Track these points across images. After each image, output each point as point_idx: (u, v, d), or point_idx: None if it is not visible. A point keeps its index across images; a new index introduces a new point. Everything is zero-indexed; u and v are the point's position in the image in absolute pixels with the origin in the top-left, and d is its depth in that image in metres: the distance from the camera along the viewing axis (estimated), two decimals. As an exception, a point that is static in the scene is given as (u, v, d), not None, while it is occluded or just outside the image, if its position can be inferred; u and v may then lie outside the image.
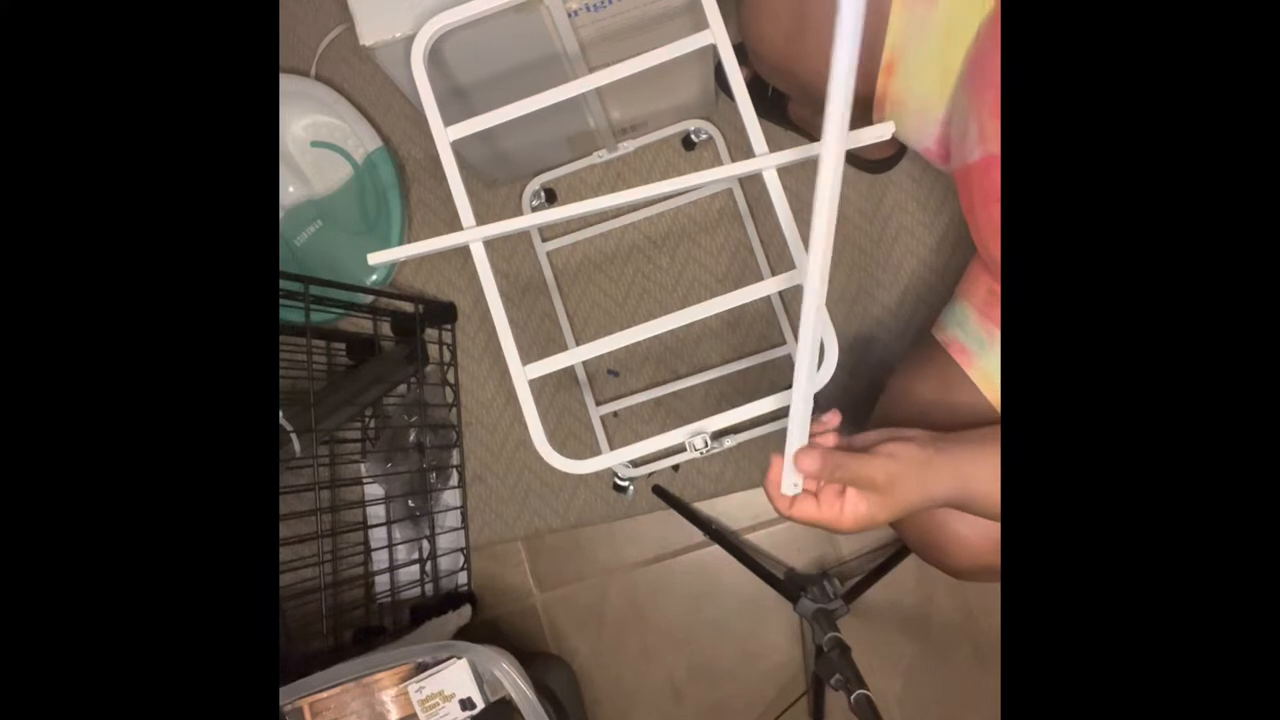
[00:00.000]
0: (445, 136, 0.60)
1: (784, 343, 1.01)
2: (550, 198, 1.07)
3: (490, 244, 0.59)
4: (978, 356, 0.65)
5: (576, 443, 1.06)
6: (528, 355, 0.57)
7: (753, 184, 1.03)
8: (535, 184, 1.06)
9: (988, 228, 0.59)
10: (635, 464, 1.04)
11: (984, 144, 0.55)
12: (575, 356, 0.59)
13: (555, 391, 1.06)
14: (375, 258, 0.59)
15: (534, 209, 1.06)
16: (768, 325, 1.02)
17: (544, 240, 1.07)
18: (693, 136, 1.04)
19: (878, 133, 0.56)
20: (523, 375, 0.58)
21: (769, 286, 0.59)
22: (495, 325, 0.58)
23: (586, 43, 0.75)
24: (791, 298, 1.02)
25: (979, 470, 0.52)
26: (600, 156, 1.04)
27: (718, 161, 1.04)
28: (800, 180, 1.03)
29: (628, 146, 1.04)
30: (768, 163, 0.58)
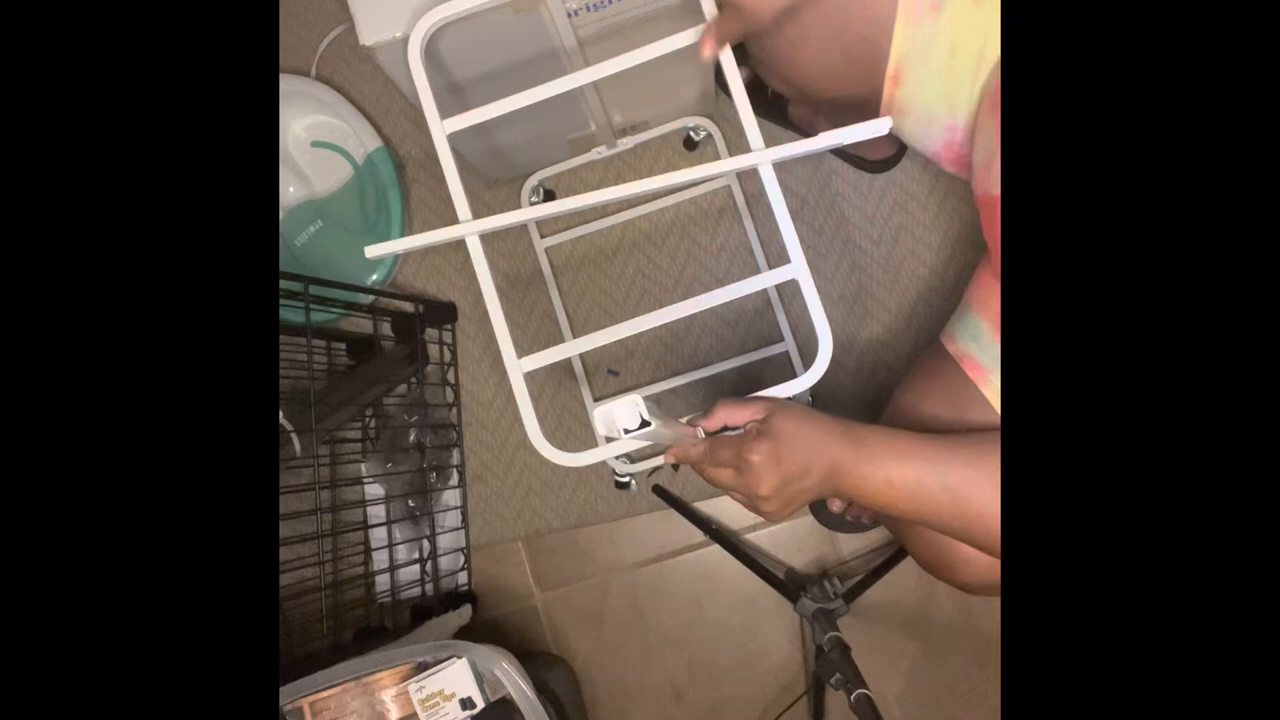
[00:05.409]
0: (442, 129, 0.60)
1: (781, 340, 1.01)
2: (549, 197, 1.07)
3: (489, 242, 0.59)
4: (993, 373, 0.64)
5: (577, 442, 1.06)
6: (526, 353, 0.57)
7: (753, 184, 1.03)
8: (534, 180, 1.06)
9: None
10: (632, 459, 1.03)
11: None
12: (572, 349, 0.59)
13: (555, 392, 1.06)
14: (372, 251, 0.60)
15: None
16: (766, 325, 1.02)
17: (543, 237, 1.07)
18: (692, 135, 1.04)
19: (873, 128, 0.56)
20: (517, 366, 0.58)
21: (764, 280, 0.59)
22: (490, 316, 0.58)
23: (586, 42, 0.75)
24: (792, 296, 1.02)
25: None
26: (599, 153, 1.04)
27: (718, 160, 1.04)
28: (799, 179, 1.03)
29: (627, 143, 1.03)
30: (764, 157, 0.58)
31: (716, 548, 1.02)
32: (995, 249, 0.63)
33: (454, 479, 1.07)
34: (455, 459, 1.07)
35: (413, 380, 1.04)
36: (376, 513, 1.05)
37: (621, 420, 0.47)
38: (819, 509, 1.01)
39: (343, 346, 1.03)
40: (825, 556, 1.04)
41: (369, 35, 0.66)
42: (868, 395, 1.01)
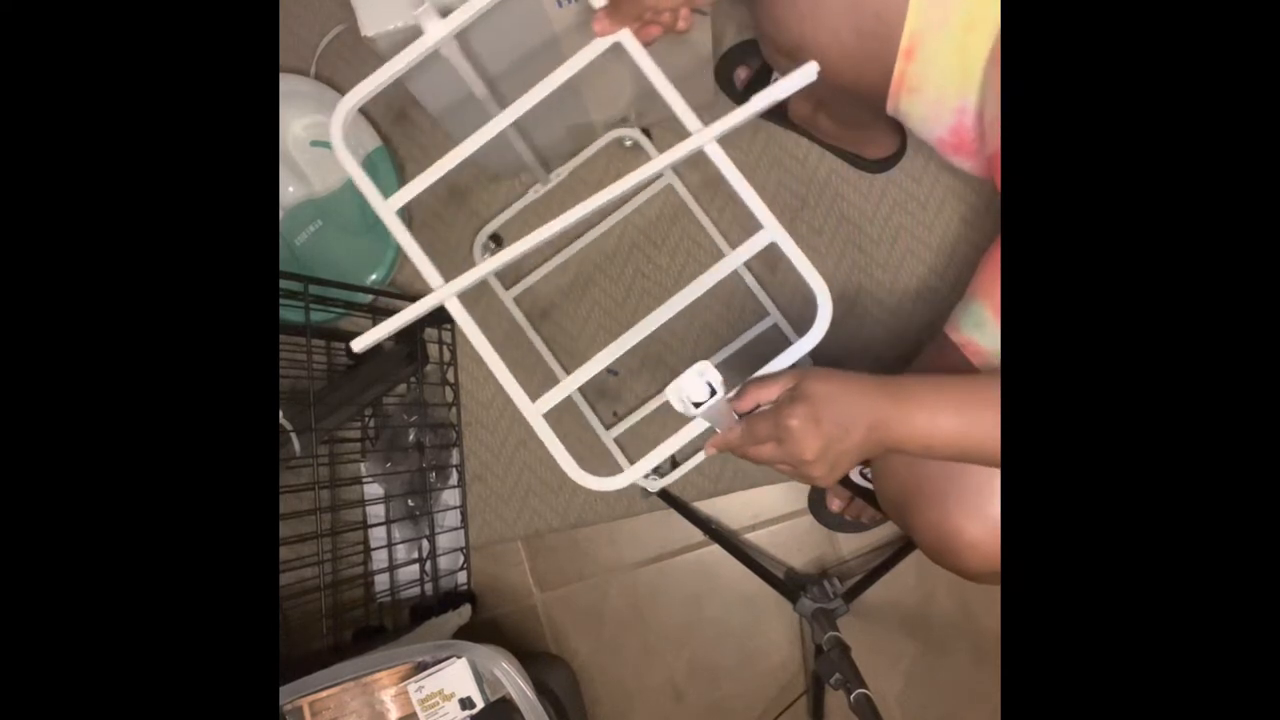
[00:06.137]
0: (388, 208, 0.57)
1: (767, 314, 1.01)
2: (498, 242, 1.07)
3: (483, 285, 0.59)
4: (995, 357, 0.64)
5: (576, 442, 1.06)
6: (532, 381, 0.57)
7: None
8: (483, 235, 1.06)
9: None
10: (660, 473, 1.02)
11: None
12: (576, 381, 0.58)
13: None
14: (359, 343, 0.60)
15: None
16: (757, 317, 1.02)
17: (507, 287, 1.06)
18: (624, 141, 1.03)
19: (802, 76, 0.53)
20: (534, 411, 0.57)
21: (742, 254, 0.58)
22: (494, 373, 0.57)
23: (574, 30, 0.75)
24: (781, 283, 1.01)
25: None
26: (536, 192, 1.04)
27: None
28: (798, 179, 1.03)
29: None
30: (706, 136, 0.55)
31: (716, 548, 1.02)
32: None
33: (453, 479, 1.07)
34: (455, 459, 1.07)
35: (412, 380, 1.04)
36: (376, 512, 1.05)
37: (691, 393, 0.46)
38: (819, 509, 1.01)
39: (342, 346, 1.03)
40: (825, 556, 1.04)
41: (370, 26, 0.66)
42: (867, 395, 1.01)
